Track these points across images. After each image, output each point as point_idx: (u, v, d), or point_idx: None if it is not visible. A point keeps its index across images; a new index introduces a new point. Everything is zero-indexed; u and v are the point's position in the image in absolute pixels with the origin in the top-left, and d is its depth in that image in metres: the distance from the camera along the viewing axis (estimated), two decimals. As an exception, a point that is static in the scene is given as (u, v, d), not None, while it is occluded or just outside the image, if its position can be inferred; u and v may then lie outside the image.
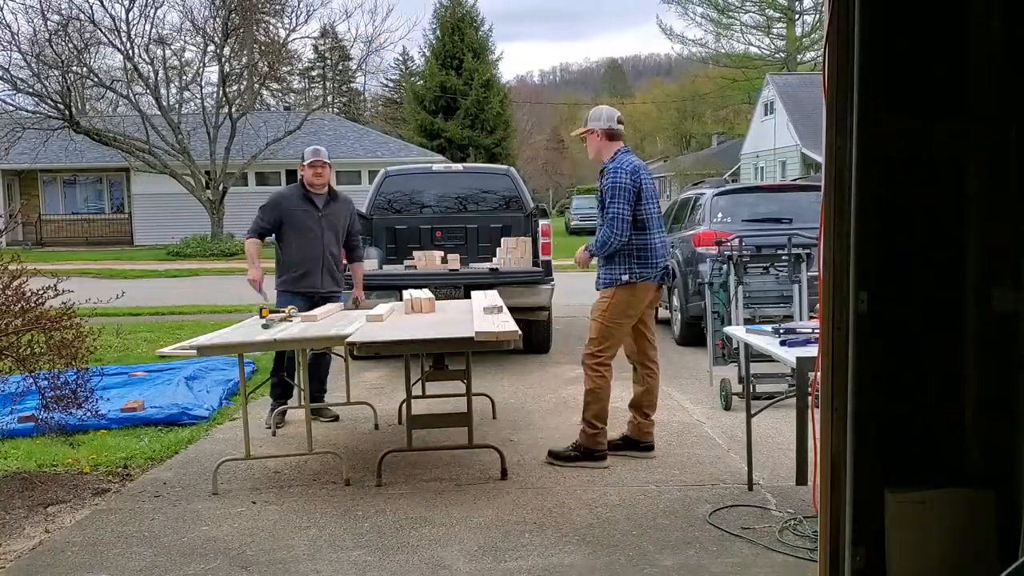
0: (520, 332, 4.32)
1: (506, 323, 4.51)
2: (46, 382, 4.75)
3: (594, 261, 5.05)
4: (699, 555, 3.61)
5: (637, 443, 5.03)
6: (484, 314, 4.90)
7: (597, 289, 4.96)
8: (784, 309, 6.60)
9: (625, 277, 4.81)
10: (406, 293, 5.74)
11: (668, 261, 5.08)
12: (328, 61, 52.89)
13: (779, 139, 33.21)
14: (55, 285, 4.74)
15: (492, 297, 5.75)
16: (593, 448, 4.87)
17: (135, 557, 3.72)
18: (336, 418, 6.07)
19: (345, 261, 6.37)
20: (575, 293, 10.49)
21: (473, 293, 6.31)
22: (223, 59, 27.57)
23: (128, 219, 31.47)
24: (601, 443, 4.89)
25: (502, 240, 8.25)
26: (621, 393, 6.79)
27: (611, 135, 4.99)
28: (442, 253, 8.33)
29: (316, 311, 5.37)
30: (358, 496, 4.45)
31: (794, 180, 16.25)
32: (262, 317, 5.13)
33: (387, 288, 7.41)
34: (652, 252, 4.86)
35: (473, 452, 4.90)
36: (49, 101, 25.18)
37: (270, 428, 5.80)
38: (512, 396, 6.73)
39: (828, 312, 2.85)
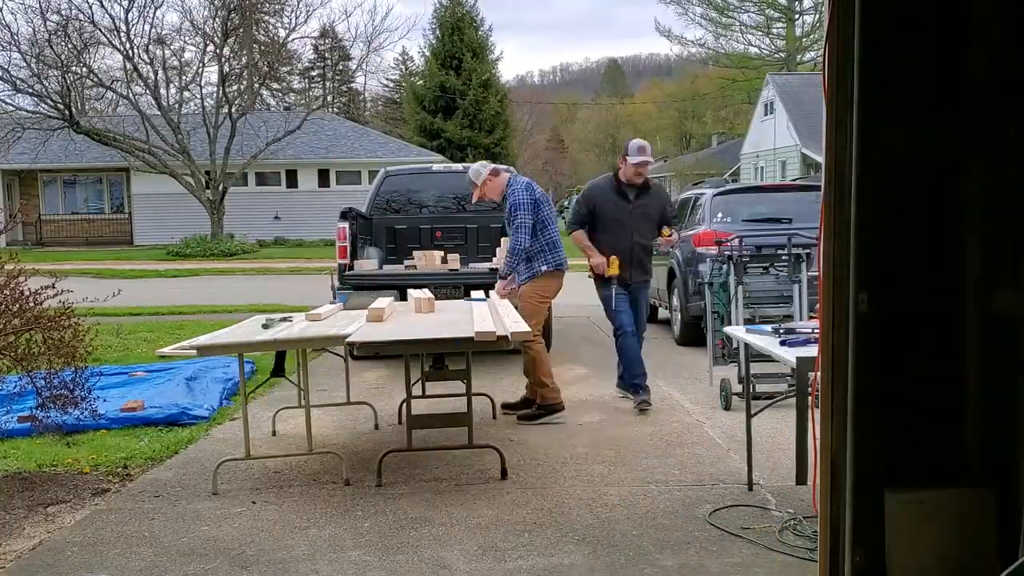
0: (529, 331, 4.35)
1: (517, 323, 4.52)
2: (43, 382, 4.75)
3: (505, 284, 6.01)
4: (699, 555, 3.61)
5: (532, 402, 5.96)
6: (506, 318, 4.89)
7: (521, 285, 5.94)
8: (784, 309, 6.59)
9: (544, 268, 5.86)
10: (411, 293, 5.77)
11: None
12: (328, 61, 52.89)
13: (779, 139, 33.19)
14: (53, 285, 4.73)
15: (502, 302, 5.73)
16: (552, 403, 5.82)
17: (135, 557, 3.72)
18: None
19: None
20: (575, 293, 10.47)
21: (473, 293, 6.32)
22: (223, 59, 27.57)
23: (128, 219, 31.45)
24: (556, 397, 5.83)
25: (502, 240, 8.23)
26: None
27: (495, 172, 6.07)
28: (442, 253, 8.33)
29: (319, 310, 5.37)
30: (358, 496, 4.45)
31: (794, 180, 16.25)
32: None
33: (387, 288, 7.41)
34: (557, 246, 5.91)
35: (473, 452, 4.90)
36: (49, 101, 25.19)
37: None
38: (512, 396, 6.71)
39: (828, 312, 2.85)
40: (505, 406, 6.12)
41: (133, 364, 7.88)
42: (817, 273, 3.00)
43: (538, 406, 5.86)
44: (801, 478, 4.22)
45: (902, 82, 2.83)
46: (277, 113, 32.65)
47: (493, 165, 6.19)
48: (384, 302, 5.37)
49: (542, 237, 5.88)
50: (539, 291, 5.90)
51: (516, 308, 5.44)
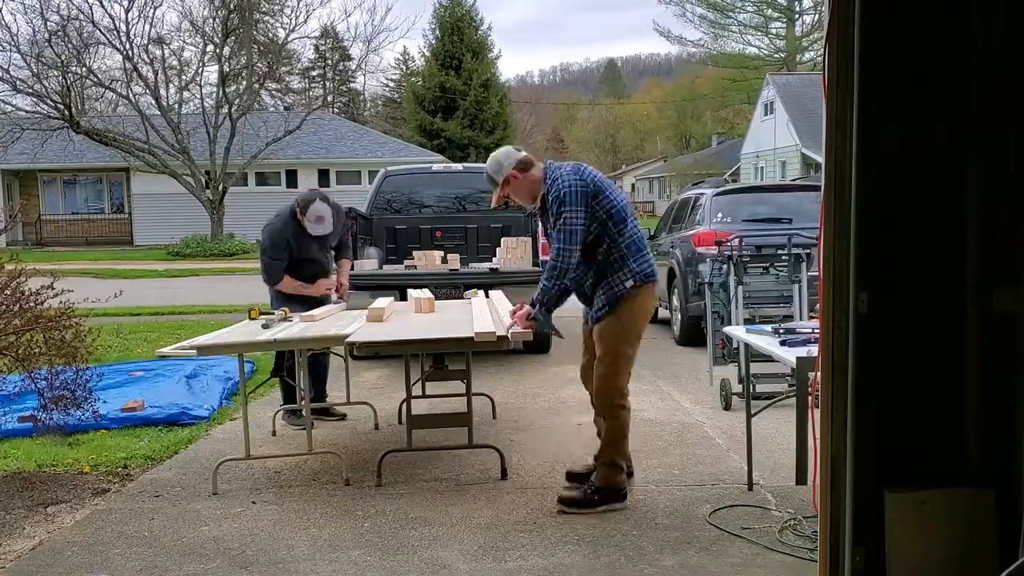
0: (529, 332, 4.31)
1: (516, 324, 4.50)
2: (44, 382, 4.75)
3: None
4: (699, 555, 3.61)
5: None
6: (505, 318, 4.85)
7: (596, 320, 4.15)
8: (784, 309, 6.59)
9: (629, 283, 4.07)
10: (412, 293, 5.75)
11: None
12: (328, 61, 52.92)
13: (779, 139, 33.23)
14: (53, 284, 4.73)
15: (501, 300, 5.72)
16: (618, 488, 4.20)
17: (135, 557, 3.72)
18: (343, 416, 6.08)
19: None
20: (575, 293, 10.47)
21: (466, 293, 6.30)
22: (222, 59, 27.57)
23: (128, 219, 31.48)
24: (622, 482, 4.23)
25: (502, 240, 8.25)
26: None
27: (524, 166, 4.30)
28: (442, 253, 8.33)
29: (315, 311, 5.37)
30: (358, 496, 4.45)
31: (794, 180, 16.25)
32: (252, 318, 5.13)
33: (387, 288, 7.41)
34: (642, 244, 4.17)
35: (473, 452, 4.90)
36: (49, 101, 25.18)
37: (301, 428, 5.78)
38: (512, 396, 6.73)
39: (828, 312, 2.85)
40: (570, 475, 4.55)
41: (133, 363, 7.87)
42: (817, 273, 3.00)
43: (597, 488, 4.18)
44: (801, 478, 4.22)
45: (902, 82, 2.84)
46: (277, 113, 32.66)
47: (522, 155, 4.35)
48: (384, 302, 5.37)
49: (621, 237, 4.09)
50: (628, 324, 4.11)
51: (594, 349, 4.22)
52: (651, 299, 4.22)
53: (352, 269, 7.85)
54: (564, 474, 4.62)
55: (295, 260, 5.90)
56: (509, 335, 4.20)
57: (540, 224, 4.02)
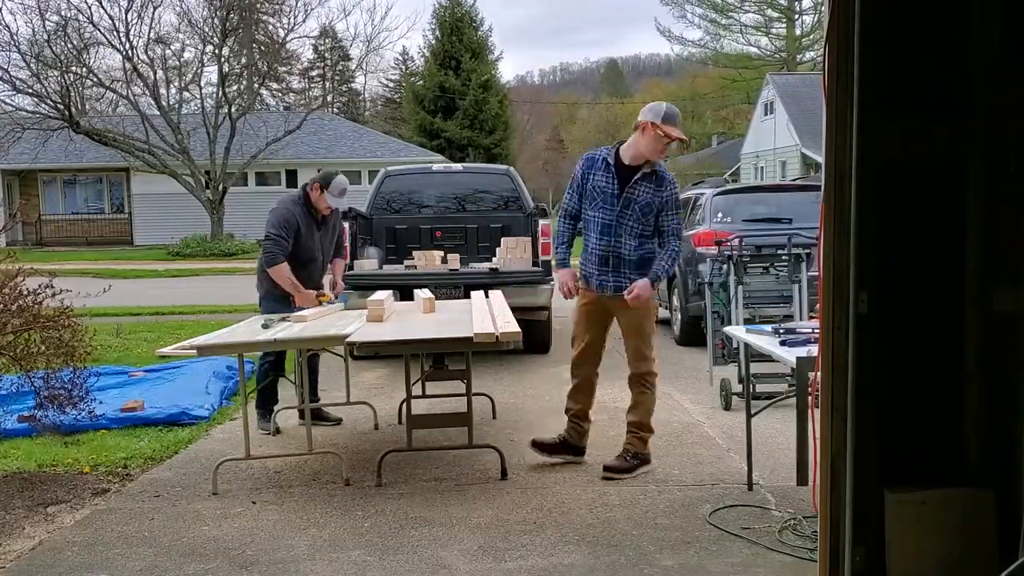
0: (520, 332, 4.32)
1: (508, 323, 4.51)
2: (41, 381, 4.74)
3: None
4: (699, 555, 3.61)
5: (576, 448, 4.98)
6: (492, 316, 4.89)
7: (628, 293, 4.56)
8: (784, 309, 6.59)
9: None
10: (418, 293, 5.74)
11: None
12: (328, 61, 52.91)
13: (779, 139, 33.22)
14: (51, 283, 4.73)
15: (497, 299, 5.71)
16: (648, 453, 4.78)
17: (135, 557, 3.72)
18: (339, 421, 6.00)
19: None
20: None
21: (473, 293, 6.29)
22: (222, 59, 27.57)
23: (128, 219, 31.47)
24: (649, 448, 4.81)
25: (502, 240, 8.25)
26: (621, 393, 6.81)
27: (669, 119, 4.52)
28: (442, 253, 8.33)
29: (306, 312, 5.31)
30: (358, 496, 4.45)
31: (794, 180, 16.26)
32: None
33: (387, 288, 7.42)
34: None
35: (473, 452, 4.89)
36: (49, 101, 25.16)
37: (268, 433, 5.73)
38: (512, 396, 6.72)
39: (828, 312, 2.85)
40: (537, 445, 4.99)
41: (133, 364, 7.87)
42: (817, 273, 3.00)
43: (635, 454, 4.72)
44: (802, 479, 4.23)
45: (902, 82, 2.84)
46: (277, 113, 32.62)
47: (664, 111, 4.50)
48: (383, 295, 5.35)
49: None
50: (655, 306, 4.89)
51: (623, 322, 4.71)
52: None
53: (351, 269, 7.87)
54: (564, 474, 4.75)
55: (296, 250, 5.70)
56: (499, 335, 4.21)
57: (634, 190, 4.56)
